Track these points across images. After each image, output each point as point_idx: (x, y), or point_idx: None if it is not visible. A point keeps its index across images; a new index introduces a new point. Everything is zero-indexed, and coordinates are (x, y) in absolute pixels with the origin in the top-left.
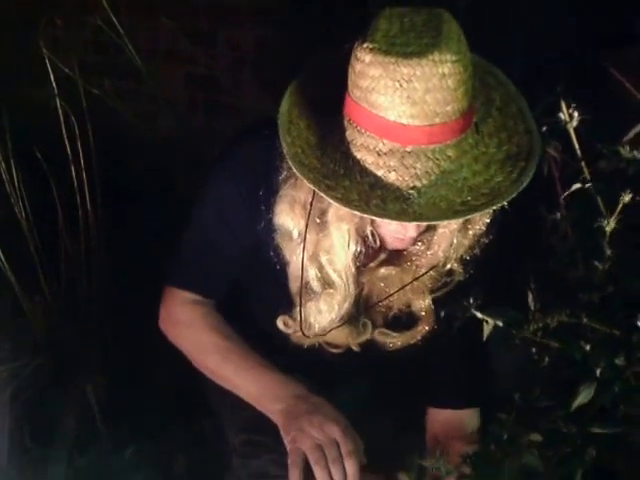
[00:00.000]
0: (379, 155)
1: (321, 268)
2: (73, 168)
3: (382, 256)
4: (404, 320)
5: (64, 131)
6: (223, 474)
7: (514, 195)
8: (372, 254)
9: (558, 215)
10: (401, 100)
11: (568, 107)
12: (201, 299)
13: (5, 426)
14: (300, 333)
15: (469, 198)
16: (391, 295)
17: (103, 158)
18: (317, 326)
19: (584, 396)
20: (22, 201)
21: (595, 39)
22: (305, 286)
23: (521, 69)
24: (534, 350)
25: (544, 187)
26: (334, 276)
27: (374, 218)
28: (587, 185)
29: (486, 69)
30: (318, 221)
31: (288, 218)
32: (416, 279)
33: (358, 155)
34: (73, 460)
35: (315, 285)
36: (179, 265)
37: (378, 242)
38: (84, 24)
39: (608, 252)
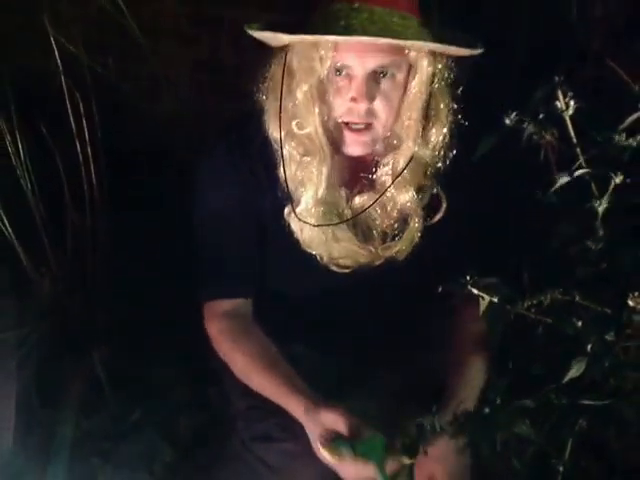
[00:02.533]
0: (330, 14)
1: (295, 136)
2: (78, 143)
3: (356, 189)
4: (399, 229)
5: (69, 107)
6: (226, 438)
7: (459, 46)
8: (350, 184)
9: (553, 198)
10: None
11: (565, 96)
12: (237, 308)
13: (12, 390)
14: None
15: (417, 39)
16: (377, 201)
17: (108, 133)
18: (303, 201)
19: (575, 370)
20: (28, 174)
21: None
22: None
23: (522, 60)
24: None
25: (541, 171)
26: (306, 141)
27: (322, 38)
28: (576, 173)
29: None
30: (290, 105)
31: (276, 124)
32: (399, 174)
33: (314, 19)
34: (80, 423)
35: (294, 155)
36: (206, 279)
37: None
38: (88, 3)
39: (601, 232)
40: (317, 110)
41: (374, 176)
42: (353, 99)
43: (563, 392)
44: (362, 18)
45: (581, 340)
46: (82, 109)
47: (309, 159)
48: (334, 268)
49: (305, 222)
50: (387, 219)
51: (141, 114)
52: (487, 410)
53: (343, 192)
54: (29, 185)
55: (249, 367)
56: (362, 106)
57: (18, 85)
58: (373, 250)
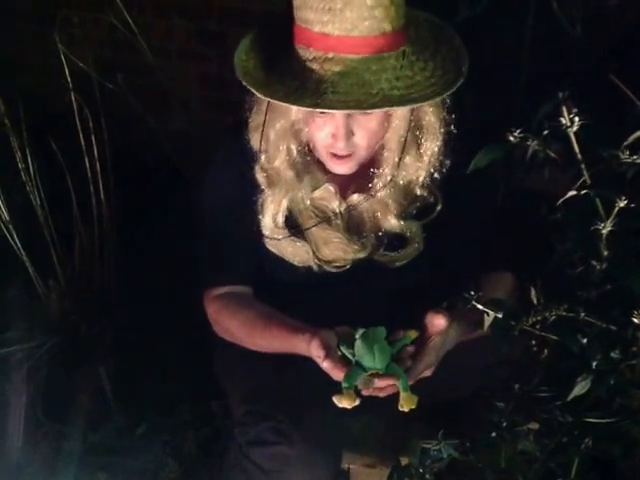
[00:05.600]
0: (305, 62)
1: (263, 167)
2: (87, 159)
3: (351, 189)
4: (399, 243)
5: (78, 124)
6: (227, 448)
7: (421, 103)
8: (345, 185)
9: (559, 215)
10: (323, 13)
11: (569, 112)
12: (234, 291)
13: (21, 404)
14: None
15: (380, 103)
16: (352, 208)
17: (116, 149)
18: (266, 223)
19: (580, 388)
20: (37, 190)
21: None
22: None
23: (525, 76)
24: (533, 342)
25: (546, 189)
26: (272, 172)
27: (289, 106)
28: (582, 192)
29: (439, 25)
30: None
31: (255, 138)
32: (372, 196)
33: (291, 65)
34: (86, 437)
35: (263, 184)
36: (206, 268)
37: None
38: (99, 22)
39: (605, 253)
40: (283, 147)
41: (369, 183)
42: (333, 136)
43: (568, 410)
44: (334, 72)
45: (586, 357)
46: (91, 125)
47: (270, 191)
48: (329, 269)
49: (273, 238)
50: (377, 227)
51: (149, 130)
52: (494, 434)
53: (334, 190)
54: (38, 201)
55: (250, 330)
56: (341, 144)
57: (28, 102)
58: (367, 245)
